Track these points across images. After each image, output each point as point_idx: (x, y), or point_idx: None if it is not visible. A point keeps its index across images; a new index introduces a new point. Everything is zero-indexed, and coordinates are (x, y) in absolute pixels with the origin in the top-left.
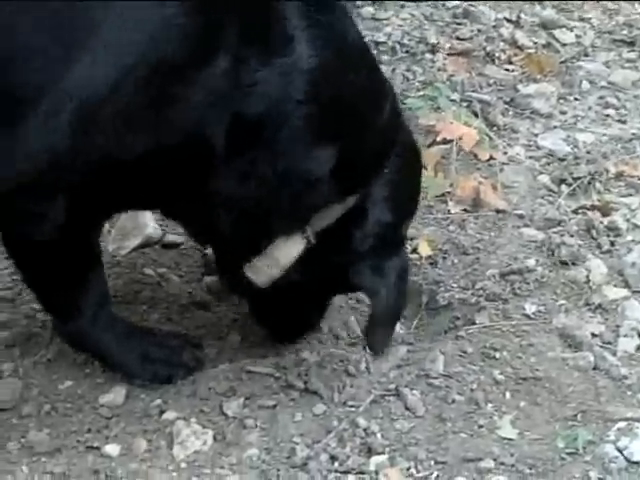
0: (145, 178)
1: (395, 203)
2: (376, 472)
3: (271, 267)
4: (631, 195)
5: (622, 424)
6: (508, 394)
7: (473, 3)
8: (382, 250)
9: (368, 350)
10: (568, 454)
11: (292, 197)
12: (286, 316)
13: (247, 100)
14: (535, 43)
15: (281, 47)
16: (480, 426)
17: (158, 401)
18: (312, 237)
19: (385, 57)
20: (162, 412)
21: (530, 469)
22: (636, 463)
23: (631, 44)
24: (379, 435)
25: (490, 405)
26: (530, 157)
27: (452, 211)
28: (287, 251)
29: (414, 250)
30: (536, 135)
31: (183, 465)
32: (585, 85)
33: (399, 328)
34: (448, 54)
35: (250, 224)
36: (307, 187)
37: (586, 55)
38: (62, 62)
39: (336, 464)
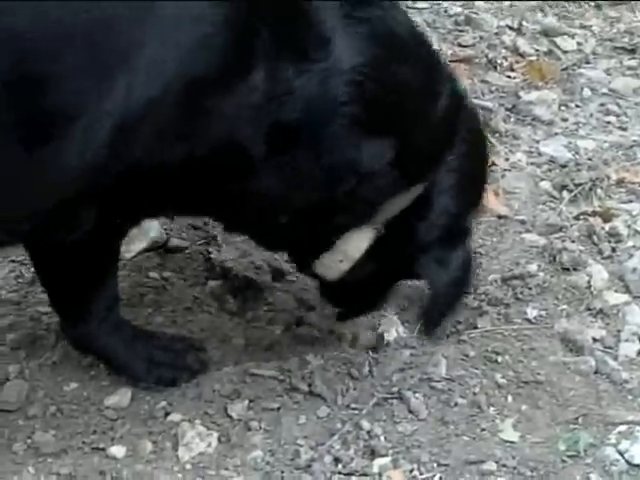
0: (179, 189)
1: (461, 192)
2: (379, 474)
3: (341, 262)
4: (632, 201)
5: (623, 427)
6: (510, 397)
7: (475, 10)
8: (447, 241)
9: (424, 334)
10: (569, 457)
11: (351, 193)
12: (355, 298)
13: (285, 108)
14: (537, 50)
15: (317, 52)
16: (482, 429)
17: (163, 403)
18: (381, 227)
19: None
20: (167, 414)
21: (532, 472)
22: (637, 466)
23: (632, 51)
24: (382, 438)
25: (492, 408)
26: (532, 163)
27: None
28: (357, 244)
29: None
30: (538, 142)
31: (188, 466)
32: (586, 92)
33: (402, 332)
34: (450, 61)
35: (312, 225)
36: (364, 182)
37: (587, 62)
38: (102, 80)
39: (340, 466)
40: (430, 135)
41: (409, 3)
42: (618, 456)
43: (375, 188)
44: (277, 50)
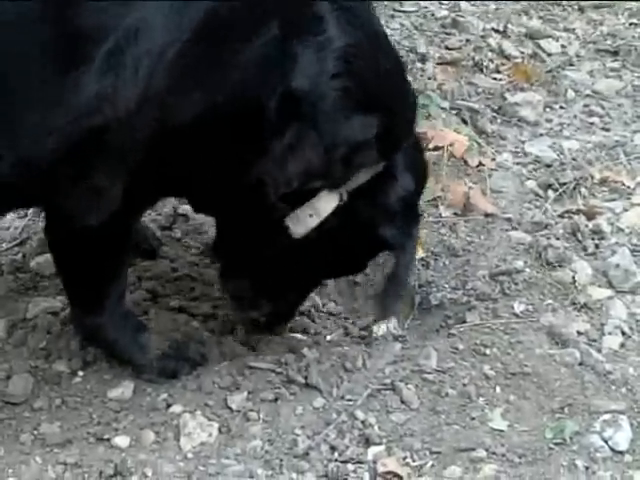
0: (198, 149)
1: (415, 173)
2: (374, 461)
3: (311, 217)
4: (615, 200)
5: (607, 416)
6: (498, 388)
7: (461, 13)
8: (409, 214)
9: (377, 313)
10: (556, 444)
11: (340, 162)
12: (282, 293)
13: (292, 76)
14: (522, 53)
15: (315, 26)
16: (472, 418)
17: (165, 395)
18: (345, 195)
19: None
20: (169, 406)
21: (520, 458)
22: (620, 452)
23: (615, 54)
24: (376, 427)
25: (481, 399)
26: (517, 163)
27: (443, 215)
28: (327, 203)
29: None
30: (523, 142)
31: (190, 455)
32: (570, 94)
33: (393, 327)
34: (438, 63)
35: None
36: (352, 152)
37: (571, 64)
38: (125, 3)
39: (336, 454)
40: (405, 115)
41: (397, 6)
42: (602, 443)
43: (359, 159)
44: (288, 13)
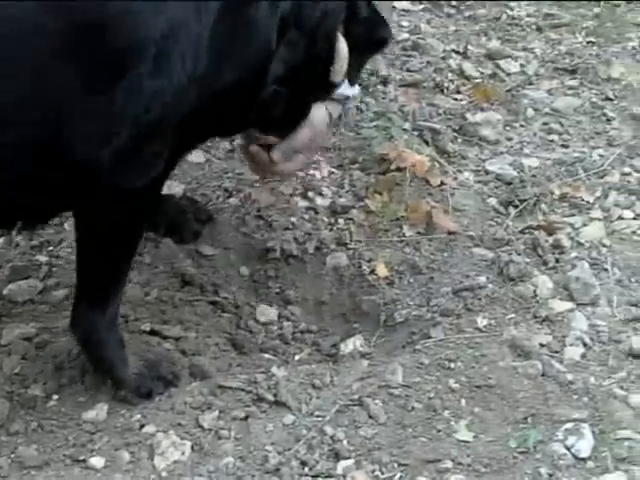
0: (232, 103)
1: None
2: (344, 475)
3: (342, 65)
4: (574, 215)
5: (569, 425)
6: (463, 401)
7: (422, 36)
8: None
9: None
10: (520, 453)
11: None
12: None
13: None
14: (482, 73)
15: None
16: (438, 430)
17: (138, 416)
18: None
19: None
20: (142, 426)
21: (485, 468)
22: (583, 459)
23: (573, 72)
24: (345, 442)
25: (447, 411)
26: (479, 181)
27: (407, 234)
28: (342, 47)
29: (372, 271)
30: (484, 161)
31: (164, 474)
32: (530, 112)
33: (360, 345)
34: (399, 86)
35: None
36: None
37: (530, 84)
38: (157, 13)
39: (306, 469)
40: None
41: None
42: (565, 451)
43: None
44: None
